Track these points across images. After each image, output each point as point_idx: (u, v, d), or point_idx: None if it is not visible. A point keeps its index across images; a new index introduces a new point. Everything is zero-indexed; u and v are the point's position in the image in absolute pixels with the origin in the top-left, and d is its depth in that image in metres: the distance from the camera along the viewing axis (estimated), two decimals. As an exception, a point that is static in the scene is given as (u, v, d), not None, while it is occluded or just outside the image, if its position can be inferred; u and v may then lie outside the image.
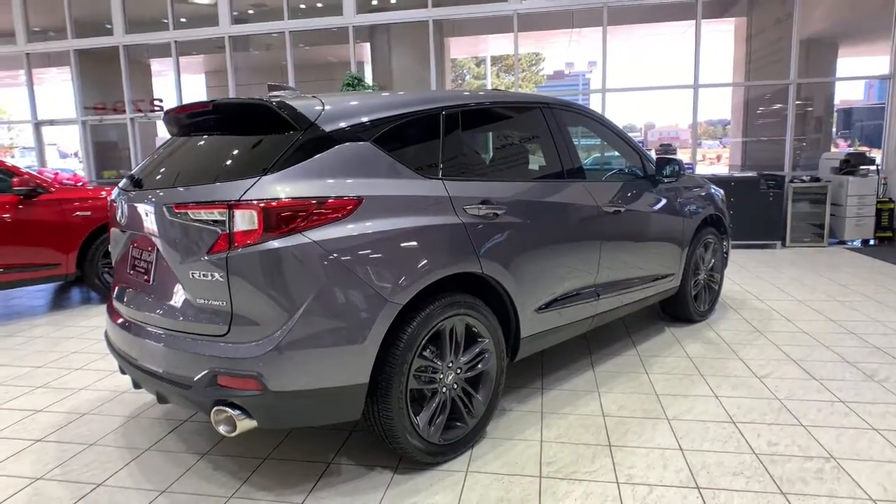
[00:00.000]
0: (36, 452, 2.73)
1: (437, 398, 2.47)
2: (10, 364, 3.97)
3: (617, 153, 4.05)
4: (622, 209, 3.50)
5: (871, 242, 7.90)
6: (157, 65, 12.70)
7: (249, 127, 2.42)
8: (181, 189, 2.26)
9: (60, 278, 5.28)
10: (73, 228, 5.24)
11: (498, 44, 14.81)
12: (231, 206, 2.07)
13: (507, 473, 2.44)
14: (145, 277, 2.43)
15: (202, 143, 2.58)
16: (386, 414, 2.29)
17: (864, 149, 10.40)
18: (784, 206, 7.83)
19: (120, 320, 2.57)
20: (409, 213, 2.37)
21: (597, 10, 8.89)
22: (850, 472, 2.37)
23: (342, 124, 2.35)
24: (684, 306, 4.34)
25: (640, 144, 4.35)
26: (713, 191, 4.63)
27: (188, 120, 2.67)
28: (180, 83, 10.33)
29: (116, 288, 2.69)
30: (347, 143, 2.32)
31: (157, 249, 2.33)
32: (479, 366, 2.64)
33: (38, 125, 11.21)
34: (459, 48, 16.70)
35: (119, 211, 2.62)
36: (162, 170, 2.56)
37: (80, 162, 11.43)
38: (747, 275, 6.15)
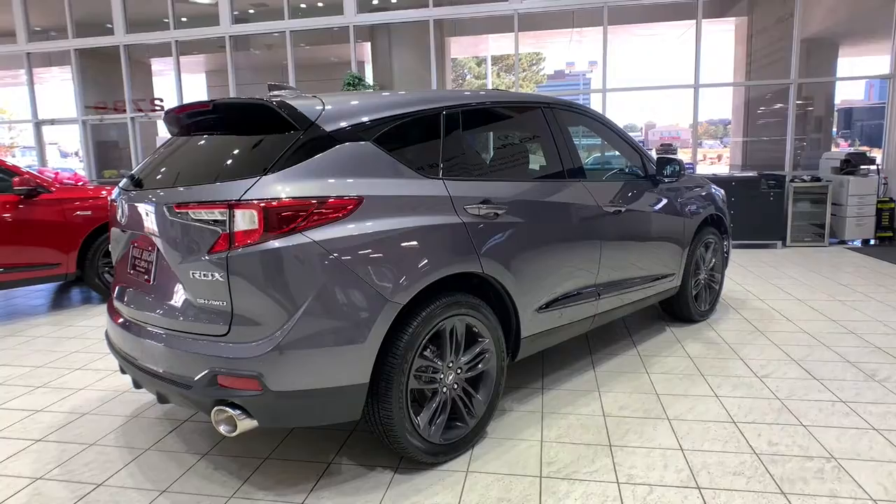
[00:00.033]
0: (36, 452, 2.73)
1: (438, 398, 2.47)
2: (10, 364, 3.97)
3: (617, 153, 4.05)
4: (623, 209, 3.50)
5: (872, 242, 7.90)
6: (157, 64, 12.73)
7: (250, 127, 2.42)
8: (182, 189, 2.26)
9: (61, 278, 5.28)
10: (74, 228, 5.25)
11: (498, 43, 14.82)
12: (231, 205, 2.07)
13: (507, 473, 2.43)
14: (146, 277, 2.43)
15: (203, 142, 2.58)
16: (386, 414, 2.28)
17: (865, 148, 10.42)
18: (785, 205, 7.83)
19: (120, 320, 2.56)
20: (409, 213, 2.37)
21: (597, 9, 8.89)
22: (850, 472, 2.37)
23: (343, 124, 2.35)
24: (685, 306, 4.33)
25: (641, 144, 4.34)
26: (714, 191, 4.62)
27: (189, 119, 2.67)
28: (181, 83, 10.34)
29: (117, 288, 2.69)
30: (348, 143, 2.32)
31: (158, 249, 2.33)
32: (480, 366, 2.64)
33: (38, 124, 11.21)
34: (460, 48, 16.72)
35: (119, 211, 2.62)
36: (162, 169, 2.55)
37: (81, 161, 11.43)
38: (748, 274, 6.14)
